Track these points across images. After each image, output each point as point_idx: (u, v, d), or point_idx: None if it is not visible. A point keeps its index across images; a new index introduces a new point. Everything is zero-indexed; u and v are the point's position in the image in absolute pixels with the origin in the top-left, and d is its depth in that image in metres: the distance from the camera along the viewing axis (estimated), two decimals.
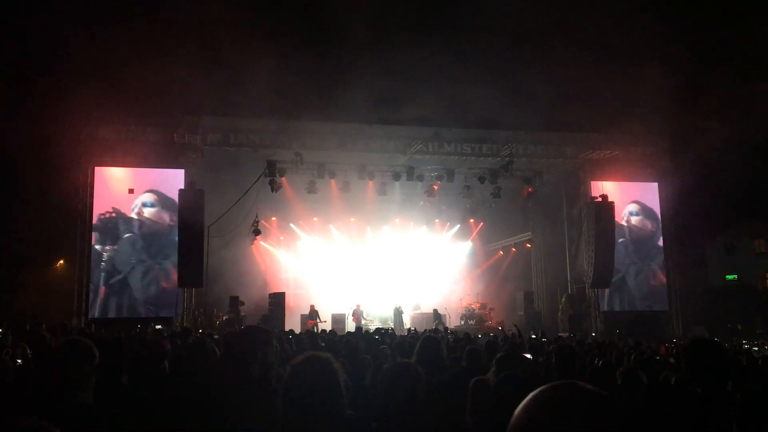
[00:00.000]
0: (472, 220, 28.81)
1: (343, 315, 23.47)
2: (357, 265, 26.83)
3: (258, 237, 23.78)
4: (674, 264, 25.11)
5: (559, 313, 24.65)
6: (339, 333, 15.71)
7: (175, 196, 20.75)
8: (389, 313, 24.96)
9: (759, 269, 28.61)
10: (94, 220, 21.18)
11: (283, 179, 21.67)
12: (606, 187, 23.88)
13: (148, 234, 21.44)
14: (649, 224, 25.47)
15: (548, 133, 23.41)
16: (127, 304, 21.04)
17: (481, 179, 22.99)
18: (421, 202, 25.51)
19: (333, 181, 22.53)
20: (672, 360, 9.68)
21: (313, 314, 22.60)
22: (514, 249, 28.42)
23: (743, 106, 18.45)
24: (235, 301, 21.70)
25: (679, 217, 24.19)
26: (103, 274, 21.11)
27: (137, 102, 18.94)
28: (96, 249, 21.15)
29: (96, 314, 20.49)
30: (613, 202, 23.08)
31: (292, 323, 20.91)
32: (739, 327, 22.51)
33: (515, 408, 1.24)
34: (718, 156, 20.25)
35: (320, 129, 21.72)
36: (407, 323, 23.97)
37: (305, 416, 2.49)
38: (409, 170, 22.48)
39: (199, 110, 20.52)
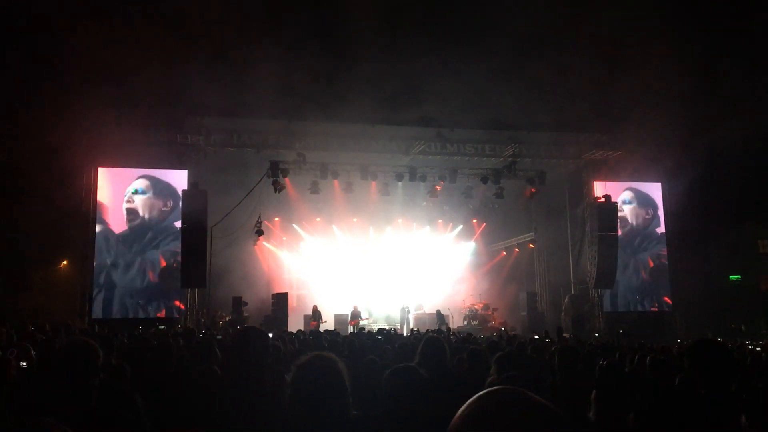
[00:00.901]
0: (474, 221, 28.80)
1: (346, 316, 23.45)
2: (360, 266, 26.81)
3: (261, 237, 23.77)
4: (678, 264, 25.08)
5: (562, 314, 24.61)
6: (342, 333, 15.69)
7: (171, 180, 20.87)
8: (392, 313, 24.93)
9: (763, 269, 28.53)
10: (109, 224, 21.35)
11: (286, 180, 21.67)
12: (609, 188, 23.88)
13: (138, 226, 21.37)
14: (643, 212, 25.60)
15: (551, 134, 23.40)
16: (118, 301, 21.16)
17: (484, 180, 22.99)
18: (424, 203, 25.50)
19: (336, 182, 22.53)
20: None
21: (316, 315, 22.58)
22: (517, 249, 28.38)
23: (747, 106, 18.42)
24: (238, 302, 21.70)
25: (683, 218, 24.15)
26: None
27: (141, 103, 19.00)
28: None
29: (98, 315, 20.55)
30: (616, 203, 23.09)
31: (295, 324, 20.91)
32: (743, 327, 22.47)
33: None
34: (722, 157, 20.23)
35: (323, 130, 21.74)
36: (411, 323, 23.93)
37: (311, 416, 2.49)
38: (412, 171, 22.47)
39: (202, 111, 20.54)
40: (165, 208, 21.70)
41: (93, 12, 17.45)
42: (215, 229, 21.18)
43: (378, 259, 27.10)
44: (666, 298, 25.49)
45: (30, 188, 20.03)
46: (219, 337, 12.12)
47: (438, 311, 24.33)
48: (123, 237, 21.52)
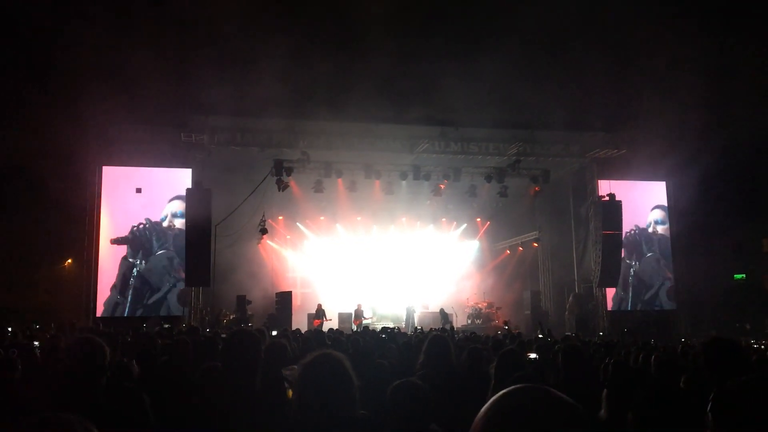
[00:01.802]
0: (479, 219, 28.79)
1: (350, 314, 23.46)
2: (364, 264, 26.82)
3: (265, 236, 23.81)
4: (682, 263, 25.03)
5: (567, 313, 24.57)
6: (346, 332, 15.69)
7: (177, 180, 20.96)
8: (397, 312, 24.94)
9: None
10: (126, 232, 21.39)
11: (290, 178, 21.69)
12: (613, 186, 23.84)
13: (183, 248, 21.14)
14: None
15: (555, 132, 23.34)
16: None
17: (488, 178, 22.97)
18: (428, 201, 25.47)
19: (340, 180, 22.53)
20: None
21: (320, 313, 22.59)
22: (520, 248, 28.33)
23: (754, 105, 18.37)
24: (242, 300, 21.72)
25: (688, 216, 24.09)
26: (132, 290, 21.26)
27: (145, 102, 19.00)
28: (129, 261, 21.36)
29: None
30: (620, 201, 23.03)
31: (300, 322, 20.93)
32: (748, 326, 22.40)
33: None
34: (726, 155, 20.18)
35: (327, 128, 21.72)
36: (415, 322, 23.92)
37: (318, 414, 2.49)
38: (416, 169, 22.45)
39: (206, 110, 20.54)
40: None
41: (98, 11, 17.49)
42: (219, 228, 21.20)
43: (382, 257, 27.12)
44: (670, 297, 25.44)
45: (35, 187, 20.07)
46: (223, 335, 12.13)
47: (441, 310, 24.33)
48: (169, 257, 21.81)
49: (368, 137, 22.00)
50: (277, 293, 23.23)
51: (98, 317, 20.17)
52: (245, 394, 3.20)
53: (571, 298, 24.66)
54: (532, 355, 7.83)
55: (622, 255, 23.47)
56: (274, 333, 13.12)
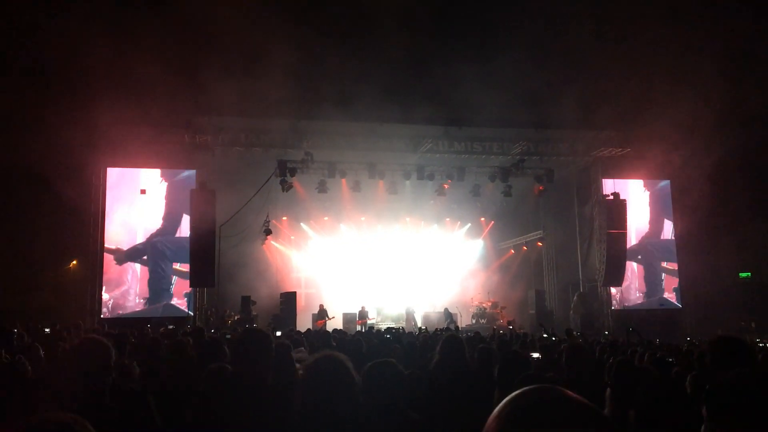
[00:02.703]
0: (483, 219, 28.77)
1: (355, 315, 23.48)
2: (368, 265, 26.83)
3: (269, 237, 23.85)
4: (687, 261, 24.96)
5: (571, 312, 24.54)
6: (350, 333, 15.70)
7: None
8: (401, 312, 24.93)
9: None
10: (143, 239, 21.42)
11: (294, 179, 21.72)
12: (618, 185, 23.80)
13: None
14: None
15: (560, 131, 23.31)
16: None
17: (492, 178, 22.95)
18: (432, 201, 25.48)
19: (344, 181, 22.56)
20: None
21: (323, 313, 22.60)
22: (525, 247, 28.31)
23: (757, 102, 18.31)
24: (247, 301, 21.75)
25: (692, 215, 24.01)
26: (137, 291, 21.35)
27: (150, 103, 19.02)
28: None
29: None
30: (625, 200, 23.00)
31: (304, 322, 20.96)
32: (753, 325, 22.32)
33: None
34: (731, 153, 20.11)
35: (330, 128, 21.74)
36: (419, 322, 23.91)
37: (321, 415, 2.49)
38: (420, 169, 22.46)
39: (211, 111, 20.58)
40: None
41: (102, 12, 17.53)
42: (223, 229, 21.24)
43: (386, 257, 27.11)
44: (675, 296, 25.37)
45: (39, 188, 20.11)
46: (228, 336, 12.16)
47: (446, 309, 24.34)
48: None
49: (372, 137, 22.01)
50: (281, 294, 23.25)
51: (102, 318, 20.23)
52: (258, 393, 3.19)
53: (575, 298, 24.62)
54: (535, 355, 7.84)
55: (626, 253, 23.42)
56: (278, 333, 13.16)
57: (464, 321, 25.48)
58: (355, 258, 26.97)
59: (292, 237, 27.05)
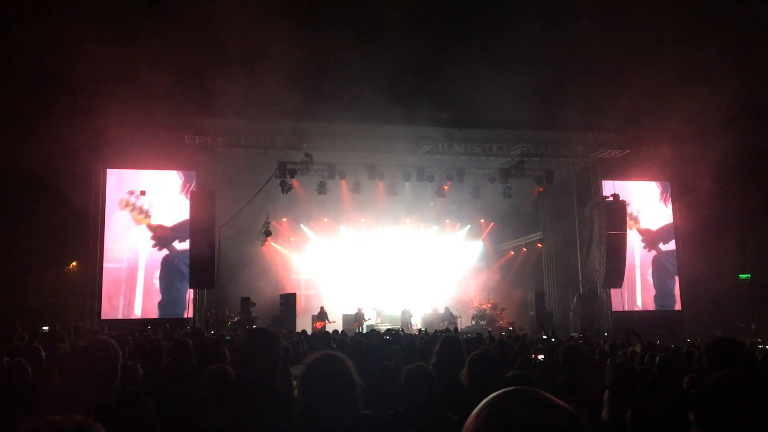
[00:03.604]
0: (482, 221, 28.76)
1: (354, 316, 23.45)
2: (368, 266, 26.82)
3: (269, 238, 23.86)
4: (687, 263, 24.97)
5: (571, 313, 24.54)
6: (349, 334, 15.70)
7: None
8: (399, 314, 24.93)
9: None
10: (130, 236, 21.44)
11: (294, 180, 21.72)
12: (617, 186, 23.81)
13: None
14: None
15: (559, 133, 23.32)
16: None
17: (492, 179, 22.96)
18: (432, 203, 25.47)
19: (343, 182, 22.56)
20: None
21: (323, 315, 22.59)
22: (525, 249, 28.33)
23: (759, 104, 18.32)
24: (247, 302, 21.75)
25: (692, 216, 24.03)
26: (136, 292, 21.39)
27: (149, 104, 19.04)
28: (133, 264, 21.44)
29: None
30: (624, 201, 23.00)
31: (304, 324, 20.96)
32: (753, 326, 22.31)
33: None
34: (731, 153, 20.11)
35: (330, 130, 21.74)
36: (418, 324, 23.91)
37: (321, 414, 2.50)
38: (420, 170, 22.47)
39: (210, 112, 20.58)
40: None
41: (102, 14, 17.55)
42: (223, 230, 21.24)
43: (386, 259, 27.11)
44: (675, 297, 25.38)
45: (39, 190, 20.13)
46: (228, 337, 12.15)
47: (446, 309, 24.37)
48: None
49: (372, 138, 22.00)
50: (281, 295, 23.27)
51: (102, 319, 20.21)
52: (267, 393, 3.18)
53: (575, 299, 24.62)
54: (540, 357, 7.87)
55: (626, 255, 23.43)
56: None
57: (464, 322, 25.48)
58: (354, 259, 26.97)
59: (292, 238, 27.06)
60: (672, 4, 19.56)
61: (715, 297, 23.90)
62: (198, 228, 19.72)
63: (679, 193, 25.15)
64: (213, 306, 22.21)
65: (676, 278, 25.38)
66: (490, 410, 1.19)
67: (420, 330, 19.14)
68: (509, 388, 1.23)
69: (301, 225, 26.83)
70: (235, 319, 21.63)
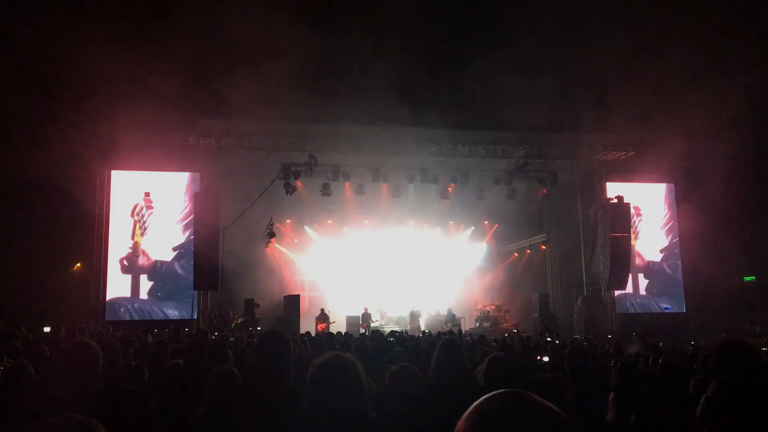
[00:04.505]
0: (486, 222, 28.72)
1: (358, 318, 23.45)
2: (371, 267, 26.80)
3: (273, 239, 23.88)
4: (691, 265, 24.91)
5: (575, 316, 24.49)
6: (354, 335, 15.69)
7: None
8: (405, 315, 24.91)
9: None
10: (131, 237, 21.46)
11: (298, 182, 21.72)
12: (621, 188, 23.76)
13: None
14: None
15: (563, 135, 23.29)
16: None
17: (496, 181, 22.94)
18: (436, 204, 25.44)
19: (347, 184, 22.56)
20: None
21: (324, 317, 22.57)
22: (528, 251, 28.28)
23: (761, 105, 18.28)
24: (251, 304, 21.77)
25: (697, 218, 23.97)
26: (141, 294, 21.43)
27: (153, 106, 19.08)
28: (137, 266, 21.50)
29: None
30: (629, 204, 22.96)
31: (307, 326, 20.96)
32: (758, 329, 22.24)
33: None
34: (735, 156, 20.07)
35: (334, 132, 21.75)
36: (422, 326, 23.88)
37: (329, 415, 2.49)
38: (424, 172, 22.45)
39: (214, 114, 20.61)
40: None
41: (105, 15, 17.61)
42: (227, 232, 21.26)
43: (389, 260, 27.08)
44: (679, 300, 25.33)
45: (44, 191, 20.18)
46: (232, 339, 12.16)
47: (449, 310, 24.34)
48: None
49: (376, 140, 21.98)
50: (285, 296, 23.26)
51: (106, 321, 20.24)
52: (280, 394, 3.19)
53: (579, 301, 24.57)
54: (545, 359, 7.88)
55: (631, 257, 23.39)
56: None
57: (468, 324, 25.45)
58: (358, 261, 26.95)
59: (296, 240, 27.07)
60: (678, 7, 19.53)
61: (720, 299, 23.85)
62: (202, 230, 19.74)
63: (683, 195, 25.09)
64: (217, 307, 22.23)
65: (681, 280, 25.32)
66: (480, 412, 1.21)
67: (424, 332, 19.11)
68: (499, 391, 1.24)
69: (305, 226, 26.83)
70: (239, 320, 21.65)
